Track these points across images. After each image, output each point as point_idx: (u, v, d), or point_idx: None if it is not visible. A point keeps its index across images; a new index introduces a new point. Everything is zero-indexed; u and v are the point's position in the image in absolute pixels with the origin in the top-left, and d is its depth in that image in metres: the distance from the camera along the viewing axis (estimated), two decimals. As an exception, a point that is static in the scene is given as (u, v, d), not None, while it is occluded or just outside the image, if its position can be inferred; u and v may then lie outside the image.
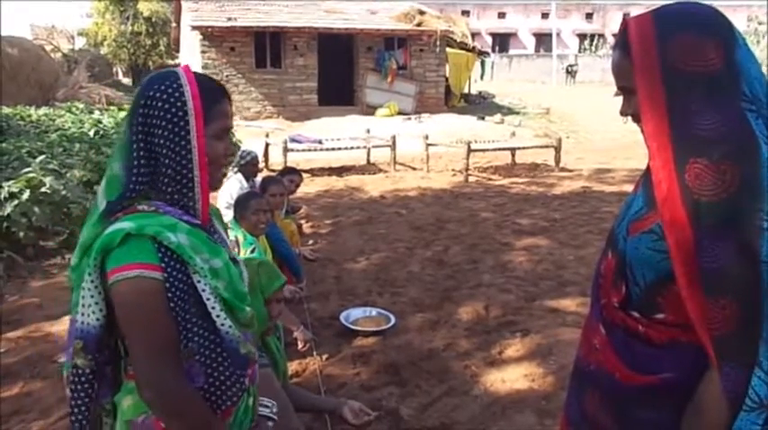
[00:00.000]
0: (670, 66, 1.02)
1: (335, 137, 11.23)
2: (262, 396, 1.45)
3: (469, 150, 9.20)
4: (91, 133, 10.19)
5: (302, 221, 6.16)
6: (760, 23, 27.69)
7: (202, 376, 1.18)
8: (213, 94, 1.22)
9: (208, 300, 1.16)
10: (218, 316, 1.18)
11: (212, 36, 15.99)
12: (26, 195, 5.15)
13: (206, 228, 1.23)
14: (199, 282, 1.16)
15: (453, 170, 10.02)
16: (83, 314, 1.16)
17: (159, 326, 1.12)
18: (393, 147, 10.33)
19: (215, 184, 1.25)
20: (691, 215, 0.97)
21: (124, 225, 1.12)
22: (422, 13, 18.06)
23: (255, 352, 1.32)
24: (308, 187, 8.58)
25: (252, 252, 3.17)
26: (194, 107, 1.16)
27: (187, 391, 1.16)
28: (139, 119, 1.18)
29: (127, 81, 27.77)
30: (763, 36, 26.95)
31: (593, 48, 38.21)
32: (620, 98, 1.16)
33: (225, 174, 1.33)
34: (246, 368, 1.26)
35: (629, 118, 1.12)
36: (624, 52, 1.08)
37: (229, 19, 16.08)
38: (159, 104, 1.16)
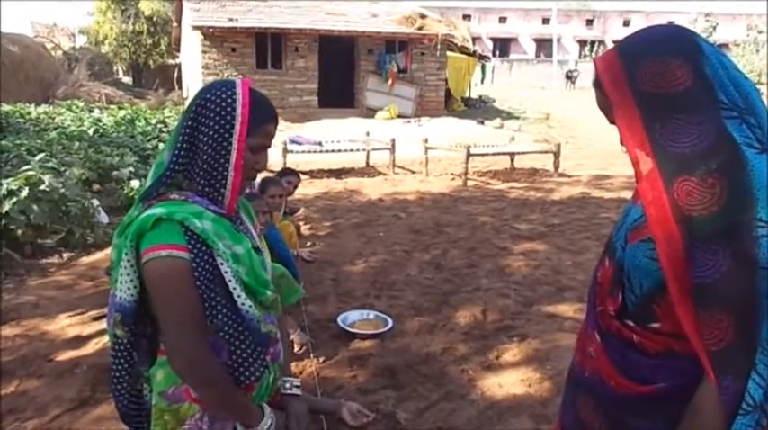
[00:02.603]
0: (641, 92, 1.04)
1: (335, 139, 11.24)
2: None
3: (469, 154, 9.21)
4: (90, 132, 10.20)
5: (301, 223, 6.16)
6: (759, 32, 27.82)
7: (226, 351, 1.28)
8: (263, 112, 1.33)
9: (230, 281, 1.27)
10: (238, 296, 1.28)
11: (213, 36, 16.01)
12: (25, 193, 5.15)
13: (231, 219, 1.35)
14: (222, 264, 1.27)
15: (452, 174, 10.03)
16: (120, 290, 1.28)
17: (186, 301, 1.24)
18: (392, 151, 10.33)
19: (242, 189, 1.36)
20: (683, 231, 0.98)
21: (156, 211, 1.25)
22: (423, 16, 18.11)
23: (277, 332, 1.42)
24: (307, 189, 8.58)
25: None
26: (242, 114, 1.29)
27: (214, 362, 1.27)
28: (192, 115, 1.31)
29: (127, 80, 27.74)
30: (763, 45, 27.08)
31: (593, 54, 38.32)
32: None
33: (250, 183, 1.48)
34: (267, 346, 1.36)
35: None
36: (600, 89, 1.12)
37: (231, 19, 16.10)
38: (212, 106, 1.29)
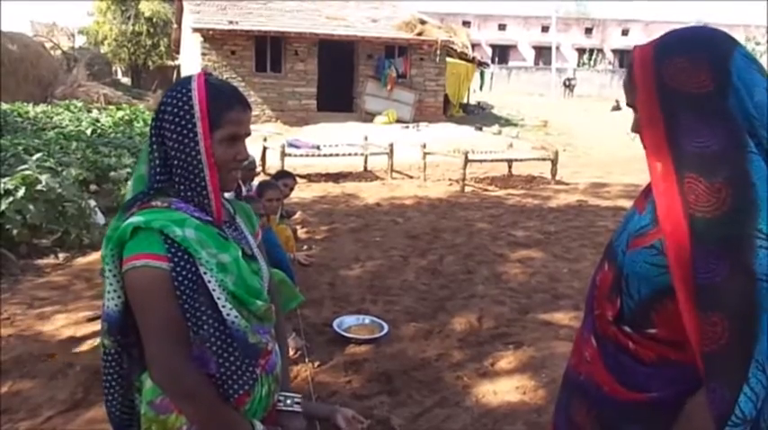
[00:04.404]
0: (665, 85, 1.06)
1: (333, 143, 11.25)
2: None
3: (467, 160, 9.22)
4: (88, 132, 10.19)
5: (297, 227, 6.16)
6: (757, 44, 27.97)
7: (214, 364, 1.23)
8: (224, 100, 1.26)
9: (214, 290, 1.22)
10: (223, 306, 1.23)
11: (213, 39, 16.03)
12: (21, 192, 5.14)
13: (218, 225, 1.30)
14: (205, 273, 1.22)
15: (450, 180, 10.04)
16: (107, 299, 1.26)
17: (165, 312, 1.20)
18: (390, 155, 10.34)
19: (225, 186, 1.31)
20: (689, 230, 0.99)
21: (134, 219, 1.21)
22: (423, 22, 18.15)
23: (269, 343, 1.36)
24: (305, 192, 8.58)
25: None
26: (200, 110, 1.23)
27: (195, 374, 1.22)
28: (156, 122, 1.28)
29: (126, 80, 27.72)
30: (761, 55, 27.21)
31: (591, 62, 38.46)
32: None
33: (237, 177, 1.35)
34: (257, 357, 1.31)
35: (638, 136, 1.15)
36: (630, 73, 1.14)
37: (231, 22, 16.12)
38: (170, 109, 1.25)
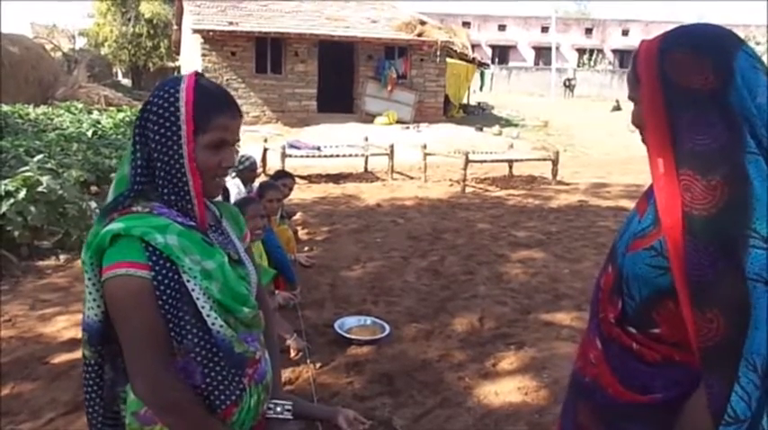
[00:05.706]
0: (668, 79, 1.06)
1: (334, 144, 11.26)
2: None
3: (467, 161, 9.21)
4: (89, 133, 10.22)
5: (298, 228, 6.16)
6: (758, 43, 27.95)
7: (199, 374, 1.20)
8: (213, 104, 1.21)
9: (197, 299, 1.18)
10: (208, 315, 1.19)
11: (213, 40, 16.03)
12: (22, 194, 5.14)
13: (203, 230, 1.25)
14: (188, 281, 1.17)
15: (451, 180, 10.04)
16: (87, 309, 1.22)
17: (147, 322, 1.15)
18: (391, 156, 10.33)
19: (209, 193, 1.26)
20: (684, 227, 1.00)
21: (114, 226, 1.16)
22: (423, 23, 18.16)
23: (257, 351, 1.31)
24: (305, 193, 8.59)
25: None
26: (185, 113, 1.18)
27: (178, 386, 1.18)
28: (140, 122, 1.22)
29: (126, 82, 27.80)
30: (761, 56, 27.19)
31: (591, 62, 38.47)
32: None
33: (221, 184, 1.30)
34: (243, 367, 1.26)
35: (638, 129, 1.16)
36: (634, 66, 1.14)
37: (231, 23, 16.14)
38: (155, 109, 1.20)
